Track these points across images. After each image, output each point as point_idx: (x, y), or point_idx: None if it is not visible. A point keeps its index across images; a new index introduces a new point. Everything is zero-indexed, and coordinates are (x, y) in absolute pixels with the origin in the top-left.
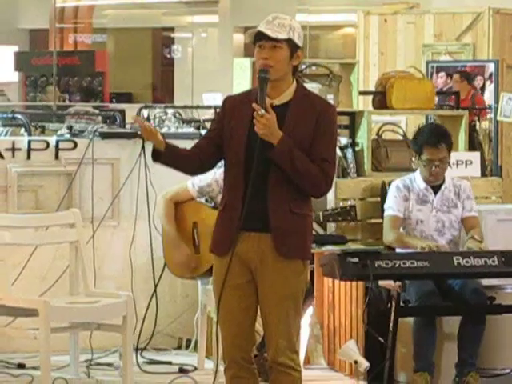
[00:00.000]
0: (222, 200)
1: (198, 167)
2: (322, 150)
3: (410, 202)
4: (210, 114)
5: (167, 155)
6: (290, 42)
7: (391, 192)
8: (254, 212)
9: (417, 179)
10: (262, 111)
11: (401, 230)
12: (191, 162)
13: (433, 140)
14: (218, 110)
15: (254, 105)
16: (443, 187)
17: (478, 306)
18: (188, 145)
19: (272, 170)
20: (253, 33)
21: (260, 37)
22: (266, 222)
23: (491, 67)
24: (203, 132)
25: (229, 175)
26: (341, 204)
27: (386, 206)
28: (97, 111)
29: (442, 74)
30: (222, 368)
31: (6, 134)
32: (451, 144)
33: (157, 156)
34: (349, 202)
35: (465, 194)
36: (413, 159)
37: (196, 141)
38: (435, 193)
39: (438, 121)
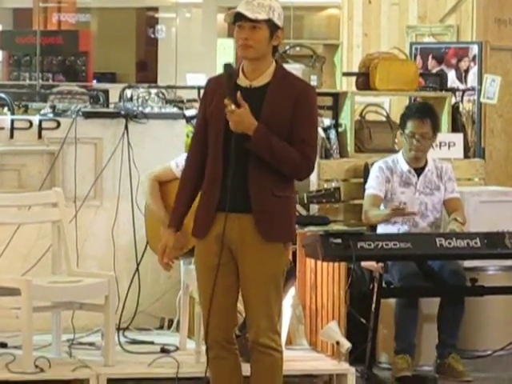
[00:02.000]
0: (203, 184)
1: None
2: (301, 131)
3: (392, 183)
4: (193, 94)
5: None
6: (269, 22)
7: (373, 172)
8: (234, 193)
9: (400, 161)
10: (233, 107)
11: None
12: (200, 186)
13: (419, 113)
14: (201, 90)
15: (225, 101)
16: (426, 170)
17: (456, 287)
18: (170, 125)
19: (251, 152)
20: (232, 13)
21: (239, 17)
22: (247, 204)
23: (475, 49)
24: (186, 112)
25: (209, 157)
26: (325, 186)
27: (367, 185)
28: (81, 90)
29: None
30: (204, 348)
31: None
32: (437, 123)
33: None
34: (333, 184)
35: (446, 175)
36: (395, 140)
37: (179, 122)
38: (418, 175)
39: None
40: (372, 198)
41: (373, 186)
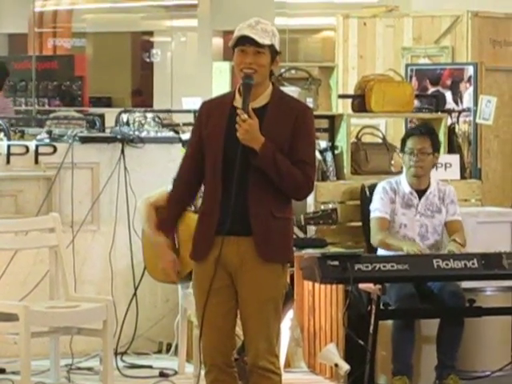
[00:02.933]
0: (200, 205)
1: (194, 194)
2: (301, 152)
3: (395, 204)
4: (189, 118)
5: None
6: (271, 47)
7: (377, 194)
8: (234, 216)
9: (402, 182)
10: (245, 116)
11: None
12: (188, 202)
13: (418, 131)
14: (196, 114)
15: (238, 110)
16: (428, 192)
17: (455, 309)
18: (166, 149)
19: (251, 174)
20: (236, 37)
21: (244, 41)
22: (247, 226)
23: (470, 70)
24: (182, 136)
25: (207, 179)
26: (322, 207)
27: (372, 207)
28: (77, 115)
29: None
30: (202, 372)
31: None
32: (437, 142)
33: None
34: (330, 206)
35: (449, 198)
36: (392, 162)
37: (175, 146)
38: (420, 197)
39: (417, 124)
40: (380, 222)
41: (378, 209)
